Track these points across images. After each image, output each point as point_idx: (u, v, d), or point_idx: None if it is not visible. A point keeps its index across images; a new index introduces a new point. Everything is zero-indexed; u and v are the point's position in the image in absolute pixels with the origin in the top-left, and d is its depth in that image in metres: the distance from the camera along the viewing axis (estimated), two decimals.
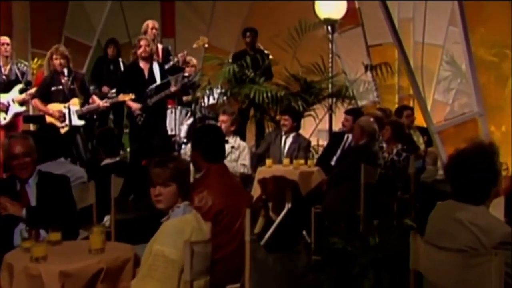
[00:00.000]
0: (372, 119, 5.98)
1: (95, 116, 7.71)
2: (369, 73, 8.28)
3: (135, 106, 7.01)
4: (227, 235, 3.50)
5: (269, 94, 7.00)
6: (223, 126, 6.51)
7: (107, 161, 5.19)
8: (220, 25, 10.00)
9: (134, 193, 6.92)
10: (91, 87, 8.66)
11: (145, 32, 7.95)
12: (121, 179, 4.87)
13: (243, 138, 8.06)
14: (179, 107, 8.71)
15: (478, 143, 2.80)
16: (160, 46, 8.27)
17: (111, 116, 8.36)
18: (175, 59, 7.94)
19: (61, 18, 8.64)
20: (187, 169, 3.15)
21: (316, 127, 7.91)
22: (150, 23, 8.00)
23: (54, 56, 6.78)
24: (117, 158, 5.25)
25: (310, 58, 7.92)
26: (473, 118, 4.67)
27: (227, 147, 6.44)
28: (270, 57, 7.76)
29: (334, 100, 7.95)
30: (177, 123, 8.69)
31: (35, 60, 8.31)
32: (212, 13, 10.29)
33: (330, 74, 8.04)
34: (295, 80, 7.49)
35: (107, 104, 7.01)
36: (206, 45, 7.92)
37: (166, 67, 7.75)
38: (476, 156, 2.74)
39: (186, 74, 7.88)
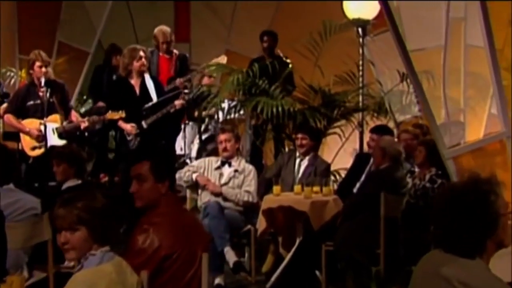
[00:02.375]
0: (396, 140, 5.63)
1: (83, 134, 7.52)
2: (410, 83, 7.83)
3: (129, 128, 6.82)
4: (176, 286, 3.19)
5: (280, 109, 6.65)
6: (227, 145, 6.34)
7: (68, 184, 4.96)
8: (242, 28, 9.80)
9: (127, 223, 6.82)
10: (89, 101, 8.59)
11: (157, 45, 7.75)
12: None
13: (257, 159, 7.86)
14: (190, 123, 8.53)
15: (471, 178, 2.42)
16: (175, 53, 8.04)
17: (112, 133, 8.21)
18: (172, 84, 7.66)
19: (54, 20, 8.59)
20: (104, 206, 2.85)
21: (341, 148, 7.55)
22: (161, 35, 7.79)
23: (38, 63, 6.62)
24: (79, 181, 5.01)
25: (336, 66, 7.62)
26: (501, 140, 4.23)
27: (229, 170, 6.30)
28: (290, 65, 7.51)
29: (365, 115, 7.60)
30: (187, 141, 8.49)
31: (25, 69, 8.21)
32: (233, 15, 10.12)
33: (360, 84, 7.64)
34: (313, 92, 7.13)
35: (86, 124, 6.77)
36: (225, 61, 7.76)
37: (169, 87, 7.52)
38: (467, 195, 2.37)
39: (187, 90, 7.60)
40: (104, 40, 9.13)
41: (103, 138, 8.01)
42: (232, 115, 7.99)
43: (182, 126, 8.38)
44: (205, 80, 8.50)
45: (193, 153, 8.43)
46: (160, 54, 7.85)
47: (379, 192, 5.20)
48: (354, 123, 7.43)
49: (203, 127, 8.52)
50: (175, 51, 8.06)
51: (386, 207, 5.19)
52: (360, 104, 7.66)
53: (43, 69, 6.62)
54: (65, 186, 5.02)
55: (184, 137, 8.47)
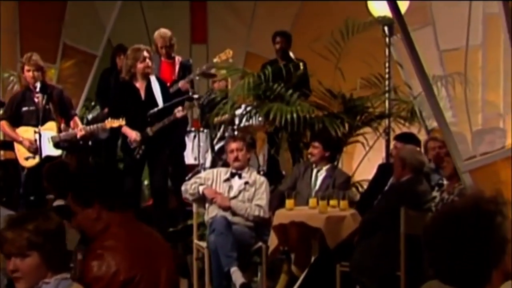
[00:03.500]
0: (418, 149, 5.39)
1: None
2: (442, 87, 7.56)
3: (134, 136, 6.66)
4: None
5: (294, 115, 6.45)
6: (239, 155, 6.21)
7: (58, 202, 4.82)
8: (263, 29, 9.59)
9: None
10: (97, 107, 8.46)
11: (156, 50, 7.64)
12: None
13: (273, 170, 7.65)
14: (205, 131, 8.37)
15: (473, 197, 2.16)
16: (178, 59, 7.90)
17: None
18: (175, 87, 7.54)
19: (58, 20, 8.49)
20: (58, 228, 2.66)
21: (364, 157, 7.26)
22: (160, 40, 7.65)
23: (26, 67, 6.51)
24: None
25: (359, 69, 7.35)
26: None
27: (240, 182, 6.16)
28: (302, 67, 7.36)
29: (392, 121, 7.37)
30: (202, 150, 8.33)
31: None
32: (253, 14, 10.01)
33: (386, 88, 7.39)
34: (333, 97, 6.92)
35: (83, 133, 6.64)
36: (231, 60, 7.65)
37: (171, 90, 7.39)
38: (468, 217, 2.12)
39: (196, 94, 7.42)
40: (114, 42, 9.01)
41: (110, 148, 7.87)
42: (250, 121, 7.81)
43: (194, 134, 8.23)
44: (217, 84, 8.34)
45: (208, 163, 8.24)
46: (162, 59, 7.68)
47: (398, 208, 4.98)
48: (379, 130, 7.18)
49: (218, 134, 8.34)
50: (177, 57, 7.90)
51: (406, 224, 4.99)
52: (387, 109, 7.43)
53: (31, 74, 6.49)
54: (56, 203, 4.88)
55: (199, 145, 8.29)
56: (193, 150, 8.23)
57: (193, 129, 8.41)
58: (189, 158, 8.31)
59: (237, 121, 7.87)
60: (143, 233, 3.27)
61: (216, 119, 7.96)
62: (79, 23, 8.72)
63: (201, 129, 8.27)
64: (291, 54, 7.77)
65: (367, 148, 7.17)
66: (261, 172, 8.13)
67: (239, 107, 7.73)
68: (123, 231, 3.11)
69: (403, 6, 7.59)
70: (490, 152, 4.67)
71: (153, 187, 7.01)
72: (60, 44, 8.56)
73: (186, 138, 8.34)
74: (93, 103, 8.75)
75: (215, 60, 7.75)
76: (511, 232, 2.15)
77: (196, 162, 8.25)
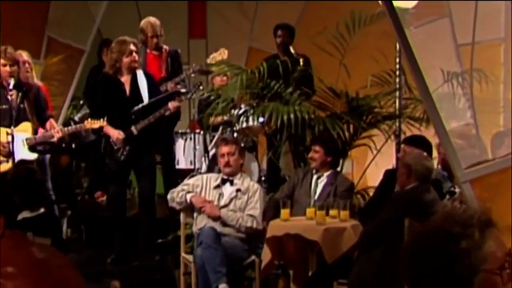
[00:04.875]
0: (425, 155, 5.16)
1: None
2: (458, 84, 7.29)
3: (116, 135, 6.47)
4: None
5: (292, 115, 6.23)
6: (230, 160, 6.08)
7: (25, 214, 4.68)
8: (267, 22, 9.36)
9: (115, 253, 6.50)
10: (85, 107, 8.30)
11: (144, 40, 7.45)
12: (45, 240, 4.39)
13: (274, 176, 7.50)
14: (202, 132, 8.19)
15: (442, 218, 1.93)
16: (165, 49, 7.71)
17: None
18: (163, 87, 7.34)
19: (43, 12, 8.24)
20: None
21: (370, 162, 7.04)
22: (150, 28, 7.50)
23: (1, 61, 6.35)
24: (41, 211, 4.73)
25: (366, 65, 7.17)
26: None
27: (231, 190, 6.05)
28: (302, 63, 7.18)
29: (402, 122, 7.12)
30: (198, 154, 8.14)
31: None
32: (257, 7, 9.82)
33: (397, 86, 7.14)
34: (335, 95, 6.71)
35: (60, 135, 6.47)
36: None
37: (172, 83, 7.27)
38: (432, 240, 1.90)
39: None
40: (105, 37, 8.82)
41: (99, 150, 7.70)
42: (249, 123, 7.60)
43: (191, 136, 8.05)
44: (217, 81, 8.13)
45: (204, 167, 8.04)
46: (148, 51, 7.47)
47: (402, 219, 4.72)
48: (387, 132, 6.95)
49: (216, 136, 8.13)
50: (165, 46, 7.72)
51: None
52: (397, 109, 7.19)
53: (8, 68, 6.32)
54: (21, 216, 4.69)
55: (194, 148, 8.11)
56: (185, 153, 8.04)
57: (188, 130, 8.25)
58: (185, 162, 8.17)
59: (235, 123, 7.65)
60: (40, 254, 2.97)
61: (211, 120, 7.80)
62: (66, 15, 8.48)
63: (198, 131, 8.12)
64: (291, 49, 7.55)
65: (375, 152, 6.95)
66: (263, 178, 8.00)
67: (238, 107, 7.53)
68: (20, 255, 2.80)
69: None
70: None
71: (139, 193, 6.85)
72: (45, 38, 8.32)
73: (181, 140, 8.19)
74: (81, 102, 8.58)
75: (208, 60, 7.58)
76: (491, 261, 1.91)
77: (192, 167, 8.14)
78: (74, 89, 8.53)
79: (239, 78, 6.55)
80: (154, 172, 6.79)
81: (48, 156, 7.53)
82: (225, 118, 7.81)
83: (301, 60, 7.43)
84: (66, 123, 7.97)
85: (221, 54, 7.50)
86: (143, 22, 7.58)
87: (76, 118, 8.33)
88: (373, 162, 7.09)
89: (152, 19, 7.60)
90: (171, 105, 6.59)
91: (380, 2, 7.45)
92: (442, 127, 4.03)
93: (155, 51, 7.57)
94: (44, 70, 8.36)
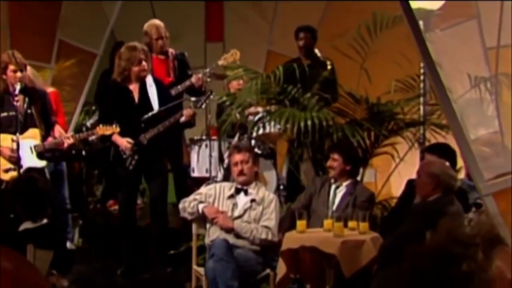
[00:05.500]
0: (447, 164, 5.05)
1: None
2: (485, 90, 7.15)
3: (125, 144, 6.43)
4: None
5: (309, 122, 6.13)
6: (244, 168, 5.99)
7: (26, 225, 4.64)
8: (287, 24, 9.29)
9: (125, 264, 6.42)
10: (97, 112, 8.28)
11: (149, 43, 7.39)
12: (48, 252, 4.53)
13: (293, 184, 7.40)
14: (222, 139, 8.11)
15: (444, 237, 1.81)
16: (171, 53, 7.67)
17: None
18: (188, 82, 7.37)
19: (54, 14, 8.26)
20: None
21: (392, 171, 6.92)
22: (155, 30, 7.44)
23: (11, 67, 6.30)
24: (43, 221, 4.67)
25: (388, 69, 7.07)
26: None
27: (245, 200, 5.96)
28: (329, 67, 7.08)
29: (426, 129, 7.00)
30: (214, 161, 8.05)
31: None
32: (276, 9, 9.73)
33: (421, 91, 7.02)
34: (354, 101, 6.63)
35: (71, 141, 6.44)
36: (238, 62, 7.44)
37: (180, 88, 7.23)
38: (432, 261, 1.79)
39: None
40: (119, 39, 8.78)
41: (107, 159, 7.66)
42: (268, 129, 7.50)
43: (207, 143, 7.95)
44: (234, 85, 8.04)
45: (220, 176, 7.94)
46: (154, 55, 7.40)
47: (423, 232, 4.56)
48: (411, 140, 6.83)
49: (233, 142, 8.03)
50: (170, 50, 7.67)
51: None
52: (422, 116, 7.07)
53: (18, 74, 6.28)
54: (22, 227, 4.66)
55: (210, 156, 8.01)
56: (200, 161, 7.94)
57: (204, 137, 8.17)
58: (200, 170, 8.07)
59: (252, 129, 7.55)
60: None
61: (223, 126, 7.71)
62: (78, 17, 8.50)
63: (214, 137, 8.04)
64: (317, 51, 7.46)
65: (397, 161, 6.83)
66: (281, 187, 7.91)
67: (255, 112, 7.44)
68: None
69: None
70: None
71: (150, 202, 6.79)
72: (56, 41, 8.34)
73: (197, 148, 8.11)
74: (93, 108, 8.54)
75: (220, 62, 7.53)
76: (503, 284, 1.78)
77: (207, 175, 8.05)
78: (86, 94, 8.56)
79: (254, 83, 6.45)
80: (165, 180, 6.72)
81: (65, 164, 7.53)
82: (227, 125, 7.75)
83: (328, 64, 7.36)
84: (78, 129, 7.95)
85: (233, 55, 7.44)
86: (146, 25, 7.52)
87: (88, 124, 8.28)
88: (396, 171, 6.97)
89: (156, 21, 7.56)
90: (187, 112, 6.51)
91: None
92: (462, 134, 3.88)
93: (161, 55, 7.53)
94: (55, 75, 8.39)
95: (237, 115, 6.75)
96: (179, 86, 7.25)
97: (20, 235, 4.61)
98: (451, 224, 1.83)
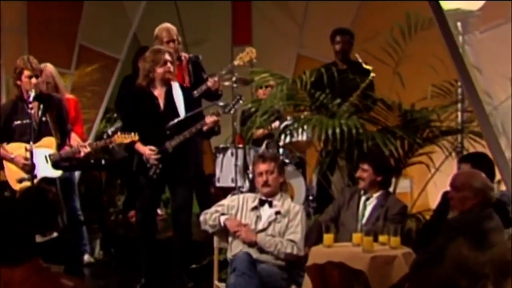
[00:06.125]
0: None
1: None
2: None
3: (148, 152, 6.39)
4: None
5: (337, 130, 6.03)
6: (269, 179, 5.93)
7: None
8: (317, 28, 9.28)
9: (145, 278, 6.35)
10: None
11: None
12: (58, 267, 4.66)
13: (323, 196, 7.34)
14: (246, 147, 8.09)
15: (451, 266, 1.70)
16: (184, 57, 7.66)
17: None
18: (204, 86, 7.35)
19: (74, 18, 8.31)
20: None
21: (428, 181, 6.78)
22: (165, 33, 7.40)
23: (26, 73, 6.27)
24: (53, 235, 4.62)
25: (422, 74, 6.97)
26: None
27: (270, 212, 5.91)
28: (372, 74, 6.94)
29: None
30: (239, 170, 8.01)
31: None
32: (306, 11, 9.70)
33: (459, 97, 6.91)
34: (387, 108, 6.50)
35: (87, 150, 6.40)
36: (255, 60, 7.45)
37: (196, 93, 7.22)
38: None
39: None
40: (142, 43, 8.77)
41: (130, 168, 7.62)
42: (296, 137, 7.42)
43: (232, 151, 7.96)
44: (260, 94, 7.96)
45: (247, 185, 7.90)
46: None
47: (459, 249, 4.42)
48: (447, 149, 6.68)
49: (260, 151, 7.95)
50: (184, 54, 7.65)
51: None
52: (459, 124, 6.95)
53: (33, 80, 6.24)
54: None
55: (235, 165, 7.97)
56: (224, 170, 7.94)
57: (229, 145, 8.10)
58: (226, 179, 8.06)
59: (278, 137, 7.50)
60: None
61: (256, 133, 7.63)
62: (100, 21, 8.53)
63: (241, 145, 8.00)
64: (357, 56, 7.36)
65: (433, 171, 6.70)
66: (310, 198, 7.82)
67: (283, 119, 7.37)
68: None
69: None
70: None
71: (172, 212, 6.72)
72: (76, 46, 8.38)
73: (222, 156, 8.05)
74: (115, 115, 8.53)
75: (236, 62, 7.50)
76: None
77: (233, 185, 8.01)
78: (107, 101, 8.58)
79: (279, 88, 6.36)
80: (190, 189, 6.66)
81: (77, 173, 7.48)
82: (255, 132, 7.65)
83: (370, 68, 7.17)
84: (99, 137, 7.94)
85: (249, 54, 7.41)
86: (157, 29, 7.49)
87: (110, 131, 8.26)
88: (431, 182, 6.83)
89: (167, 24, 7.52)
90: (209, 119, 6.44)
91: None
92: (496, 143, 3.73)
93: None
94: (76, 81, 8.41)
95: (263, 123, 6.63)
96: (195, 91, 7.21)
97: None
98: (459, 251, 1.70)
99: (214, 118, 6.48)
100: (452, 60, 4.12)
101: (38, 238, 4.59)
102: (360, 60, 7.44)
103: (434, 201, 6.86)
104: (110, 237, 7.91)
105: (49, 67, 7.02)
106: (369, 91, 6.92)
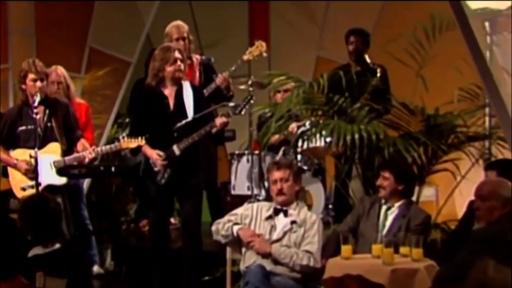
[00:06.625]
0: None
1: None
2: None
3: (154, 156, 6.28)
4: None
5: (356, 136, 5.97)
6: (284, 187, 5.86)
7: (36, 251, 4.51)
8: (338, 29, 9.13)
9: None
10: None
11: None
12: (60, 281, 4.35)
13: (341, 204, 7.27)
14: (262, 153, 8.04)
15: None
16: (196, 58, 7.61)
17: None
18: (213, 84, 7.33)
19: (84, 20, 8.30)
20: None
21: (454, 189, 6.70)
22: (175, 30, 7.38)
23: (31, 76, 6.24)
24: (55, 246, 4.53)
25: (446, 76, 6.95)
26: None
27: (285, 222, 5.85)
28: (379, 74, 6.99)
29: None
30: (255, 178, 7.97)
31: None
32: (327, 11, 9.58)
33: (487, 101, 6.77)
34: (409, 112, 6.41)
35: (92, 156, 6.36)
36: (265, 54, 7.36)
37: (206, 93, 7.16)
38: None
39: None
40: (155, 46, 8.72)
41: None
42: (317, 143, 7.34)
43: (248, 157, 7.94)
44: (278, 97, 7.87)
45: (264, 193, 7.79)
46: None
47: (485, 261, 4.31)
48: (473, 155, 6.60)
49: (277, 157, 7.90)
50: (195, 55, 7.60)
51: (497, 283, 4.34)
52: (487, 129, 6.85)
53: (38, 84, 6.22)
54: (31, 253, 4.53)
55: (251, 172, 7.94)
56: (240, 177, 7.94)
57: (246, 151, 8.03)
58: (241, 187, 8.04)
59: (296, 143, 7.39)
60: None
61: (273, 139, 7.62)
62: (111, 22, 8.51)
63: (256, 151, 7.96)
64: (367, 57, 7.34)
65: (459, 179, 6.63)
66: (330, 206, 7.78)
67: (302, 124, 7.31)
68: None
69: None
70: None
71: (182, 222, 6.63)
72: (86, 49, 8.37)
73: (237, 163, 8.02)
74: (127, 120, 8.47)
75: (245, 57, 7.41)
76: None
77: (249, 193, 7.97)
78: (119, 105, 8.55)
79: (295, 92, 6.31)
80: (200, 197, 6.53)
81: (85, 181, 7.44)
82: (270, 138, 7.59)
83: (378, 71, 7.24)
84: (110, 143, 7.88)
85: (258, 48, 7.35)
86: (168, 27, 7.46)
87: (121, 137, 8.20)
88: (457, 190, 6.76)
89: (178, 21, 7.48)
90: (218, 120, 6.34)
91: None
92: None
93: None
94: (86, 85, 8.40)
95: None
96: (204, 90, 7.12)
97: (29, 262, 4.44)
98: (485, 271, 1.61)
99: (223, 119, 6.34)
100: (474, 62, 4.01)
101: (39, 250, 4.56)
102: (368, 61, 7.44)
103: (461, 210, 6.78)
104: (121, 247, 7.85)
105: (60, 68, 7.03)
106: (382, 93, 6.89)
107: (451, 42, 6.82)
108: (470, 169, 6.60)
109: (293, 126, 7.27)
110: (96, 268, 7.21)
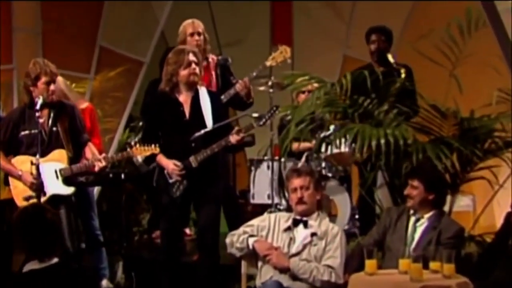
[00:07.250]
0: None
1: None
2: None
3: (170, 167, 6.19)
4: None
5: (382, 141, 5.85)
6: (304, 195, 5.77)
7: (31, 265, 4.40)
8: (367, 25, 9.08)
9: None
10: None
11: (183, 42, 7.31)
12: None
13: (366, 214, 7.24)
14: (282, 160, 8.04)
15: None
16: (212, 58, 7.56)
17: None
18: (232, 90, 7.27)
19: (94, 18, 8.28)
20: None
21: (490, 200, 6.60)
22: (189, 26, 7.36)
23: (44, 79, 6.15)
24: (53, 261, 4.41)
25: (482, 77, 6.88)
26: None
27: (305, 234, 5.75)
28: (403, 75, 6.94)
29: None
30: (276, 186, 8.00)
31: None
32: (354, 9, 9.67)
33: None
34: (441, 115, 6.28)
35: (103, 164, 6.25)
36: (289, 60, 7.34)
37: (224, 99, 7.10)
38: None
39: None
40: (171, 45, 8.70)
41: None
42: (340, 148, 7.29)
43: (269, 164, 7.94)
44: (302, 97, 7.77)
45: (284, 204, 7.76)
46: None
47: None
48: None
49: (300, 164, 7.82)
50: (212, 56, 7.52)
51: None
52: None
53: (52, 87, 6.16)
54: (26, 268, 4.41)
55: (272, 180, 7.93)
56: (259, 185, 7.96)
57: (265, 157, 7.95)
58: (261, 195, 8.07)
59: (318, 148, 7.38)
60: None
61: (295, 146, 7.69)
62: (122, 21, 8.51)
63: (276, 157, 7.94)
64: (390, 57, 7.25)
65: (496, 187, 6.49)
66: (356, 216, 7.74)
67: (326, 128, 7.23)
68: None
69: None
70: None
71: (198, 233, 6.54)
72: (96, 48, 8.36)
73: (257, 169, 8.07)
74: (140, 124, 8.46)
75: (268, 63, 7.38)
76: None
77: (270, 201, 7.96)
78: (131, 108, 8.53)
79: (316, 95, 6.24)
80: (218, 206, 6.46)
81: (95, 188, 7.36)
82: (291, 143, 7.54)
83: (402, 72, 7.12)
84: (122, 149, 7.86)
85: (282, 53, 7.30)
86: (182, 25, 7.45)
87: (133, 142, 8.15)
88: (495, 200, 6.69)
89: (192, 19, 7.46)
90: (233, 138, 6.20)
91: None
92: None
93: None
94: (96, 87, 8.39)
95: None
96: (222, 96, 7.05)
97: (24, 278, 4.37)
98: None
99: (238, 137, 6.21)
100: (506, 61, 3.85)
101: (35, 265, 4.44)
102: (392, 61, 7.36)
103: (500, 221, 6.66)
104: (133, 259, 7.78)
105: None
106: (408, 95, 6.80)
107: (487, 40, 6.83)
108: (508, 177, 6.48)
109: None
110: (105, 283, 7.14)
